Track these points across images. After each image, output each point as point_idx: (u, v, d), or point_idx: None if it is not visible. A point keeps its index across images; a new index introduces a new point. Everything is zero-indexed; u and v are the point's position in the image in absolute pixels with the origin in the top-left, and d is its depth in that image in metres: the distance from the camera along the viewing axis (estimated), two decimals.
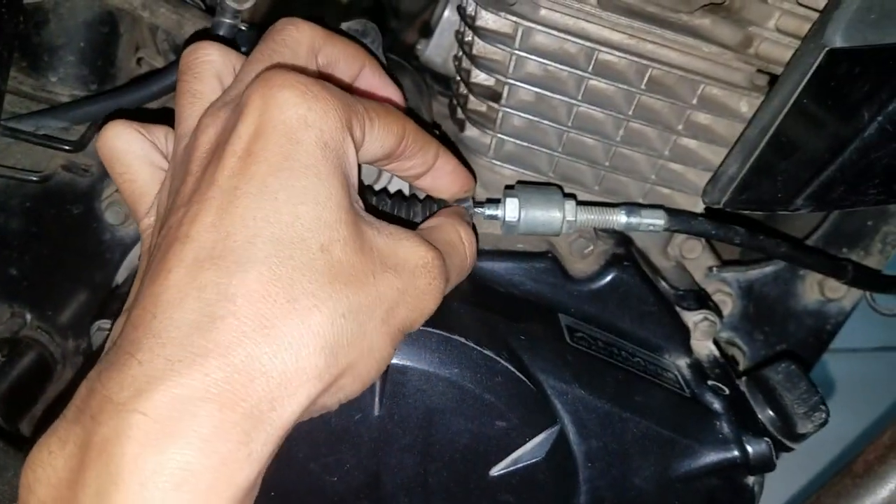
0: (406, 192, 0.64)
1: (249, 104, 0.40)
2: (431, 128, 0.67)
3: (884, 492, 0.66)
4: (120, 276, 0.74)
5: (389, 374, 0.52)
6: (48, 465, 0.35)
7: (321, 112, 0.40)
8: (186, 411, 0.33)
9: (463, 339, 0.53)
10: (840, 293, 0.83)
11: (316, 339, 0.37)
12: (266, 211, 0.38)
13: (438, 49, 0.82)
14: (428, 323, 0.52)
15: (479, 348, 0.53)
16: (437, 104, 0.80)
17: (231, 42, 0.63)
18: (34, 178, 0.70)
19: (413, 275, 0.44)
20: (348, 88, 0.50)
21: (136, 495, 0.32)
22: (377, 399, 0.52)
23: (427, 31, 0.84)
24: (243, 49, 0.63)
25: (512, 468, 0.55)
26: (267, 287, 0.37)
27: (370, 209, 0.46)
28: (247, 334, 0.36)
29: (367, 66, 0.54)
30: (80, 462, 0.34)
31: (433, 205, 0.58)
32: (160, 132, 0.50)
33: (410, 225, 0.48)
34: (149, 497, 0.32)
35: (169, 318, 0.36)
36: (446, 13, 0.80)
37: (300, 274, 0.38)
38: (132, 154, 0.48)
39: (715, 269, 0.78)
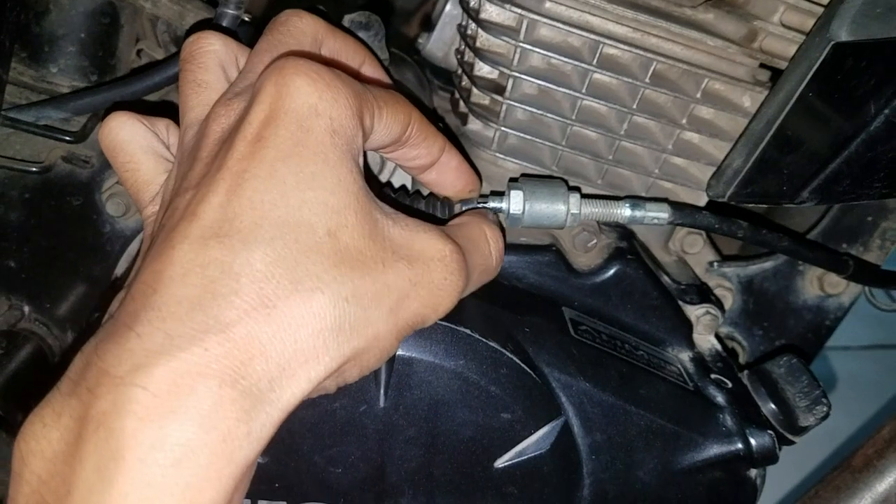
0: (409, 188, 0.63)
1: (262, 91, 0.40)
2: (437, 119, 0.67)
3: (882, 486, 0.67)
4: (119, 269, 0.74)
5: (395, 366, 0.52)
6: (42, 437, 0.34)
7: (332, 100, 0.40)
8: (186, 386, 0.33)
9: (468, 331, 0.53)
10: (839, 289, 0.83)
11: (316, 321, 0.37)
12: (274, 195, 0.38)
13: (440, 43, 0.81)
14: None
15: (484, 340, 0.53)
16: (437, 99, 0.80)
17: (232, 33, 0.63)
18: (34, 170, 0.70)
19: (427, 267, 0.43)
20: (356, 77, 0.50)
21: (137, 471, 0.32)
22: (382, 391, 0.52)
23: (428, 26, 0.84)
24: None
25: (516, 460, 0.55)
26: (270, 268, 0.37)
27: (391, 203, 0.45)
28: (248, 312, 0.35)
29: (367, 62, 0.54)
30: (77, 436, 0.33)
31: (435, 201, 0.58)
32: (161, 124, 0.50)
33: (434, 221, 0.48)
34: (149, 473, 0.32)
35: (171, 294, 0.36)
36: (448, 7, 0.80)
37: (304, 256, 0.37)
38: (135, 144, 0.48)
39: (715, 264, 0.79)
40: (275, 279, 0.36)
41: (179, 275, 0.36)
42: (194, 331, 0.34)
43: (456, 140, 0.67)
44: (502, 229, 0.55)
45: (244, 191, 0.38)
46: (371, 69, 0.55)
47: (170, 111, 0.51)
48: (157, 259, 0.37)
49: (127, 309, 0.36)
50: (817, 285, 0.83)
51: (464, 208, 0.56)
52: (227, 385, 0.34)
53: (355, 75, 0.52)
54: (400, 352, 0.51)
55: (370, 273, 0.40)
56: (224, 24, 0.62)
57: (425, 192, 0.59)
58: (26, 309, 0.76)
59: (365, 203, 0.41)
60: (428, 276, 0.43)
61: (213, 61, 0.48)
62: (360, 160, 0.43)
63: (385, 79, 0.56)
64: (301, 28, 0.48)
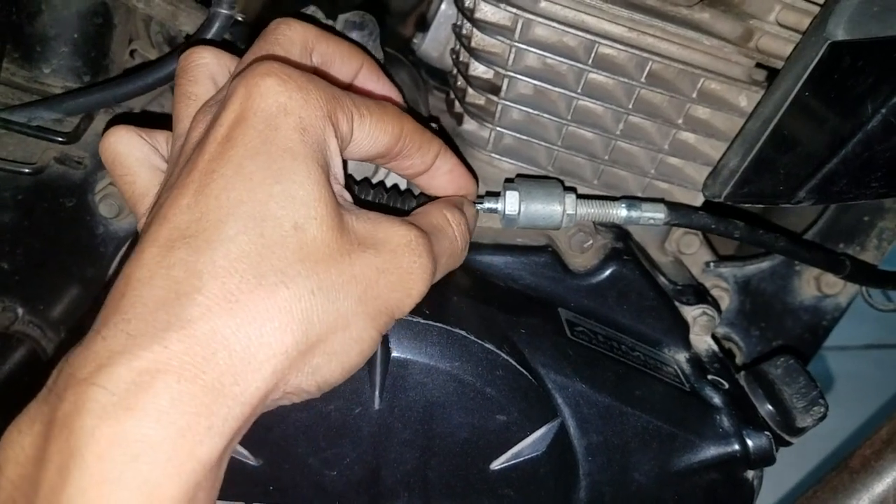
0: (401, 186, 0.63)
1: (234, 94, 0.41)
2: (430, 124, 0.67)
3: (880, 487, 0.67)
4: (113, 271, 0.74)
5: (390, 368, 0.51)
6: (17, 443, 0.35)
7: (301, 100, 0.41)
8: (144, 384, 0.34)
9: (464, 333, 0.53)
10: (836, 289, 0.83)
11: (281, 315, 0.38)
12: (240, 191, 0.39)
13: (435, 43, 0.81)
14: (429, 316, 0.52)
15: (480, 342, 0.53)
16: (433, 99, 0.80)
17: (228, 44, 0.63)
18: (27, 171, 0.69)
19: (394, 254, 0.44)
20: (347, 87, 0.50)
21: (94, 468, 0.32)
22: (377, 393, 0.52)
23: (423, 26, 0.83)
24: (241, 46, 0.62)
25: (512, 462, 0.55)
26: (234, 264, 0.37)
27: (357, 202, 0.46)
28: (211, 309, 0.36)
29: (365, 65, 0.54)
30: (44, 439, 0.34)
31: (398, 195, 0.57)
32: (161, 137, 0.51)
33: (401, 214, 0.48)
34: (106, 469, 0.33)
35: (137, 296, 0.36)
36: (443, 7, 0.80)
37: (269, 251, 0.38)
38: (133, 157, 0.49)
39: (712, 264, 0.78)
40: (238, 274, 0.37)
41: (146, 277, 0.37)
42: (156, 329, 0.35)
43: (448, 138, 0.67)
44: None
45: (211, 190, 0.39)
46: (368, 73, 0.55)
47: (161, 120, 0.51)
48: (128, 264, 0.38)
49: (99, 316, 0.37)
50: (814, 286, 0.83)
51: None
52: (187, 380, 0.34)
53: (343, 84, 0.53)
54: (395, 353, 0.51)
55: (336, 265, 0.40)
56: (217, 24, 0.62)
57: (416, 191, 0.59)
58: (20, 311, 0.76)
59: (333, 199, 0.41)
60: (396, 262, 0.44)
61: (203, 74, 0.49)
62: (335, 162, 0.43)
63: (385, 81, 0.56)
64: (289, 36, 0.49)
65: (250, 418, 0.37)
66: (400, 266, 0.44)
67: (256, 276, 0.37)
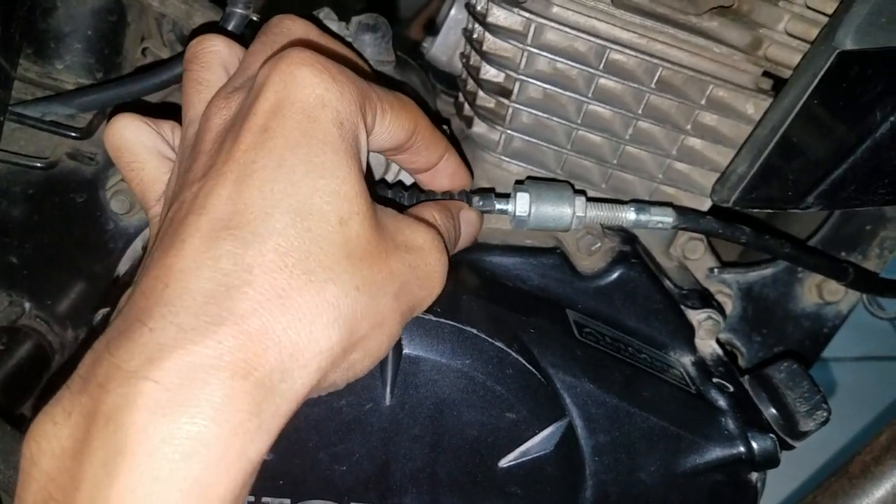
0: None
1: (268, 81, 0.40)
2: (442, 124, 0.67)
3: (879, 493, 0.67)
4: (122, 267, 0.74)
5: (401, 365, 0.52)
6: (52, 436, 0.34)
7: (338, 93, 0.40)
8: (198, 379, 0.33)
9: (475, 331, 0.53)
10: (838, 296, 0.84)
11: (330, 312, 0.37)
12: (284, 183, 0.38)
13: (444, 47, 0.82)
14: (440, 314, 0.52)
15: (490, 340, 0.53)
16: (440, 103, 0.81)
17: (236, 36, 0.64)
18: (38, 165, 0.70)
19: (423, 252, 0.45)
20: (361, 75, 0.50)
21: (144, 465, 0.31)
22: (388, 389, 0.52)
23: (432, 30, 0.84)
24: None
25: (520, 460, 0.55)
26: (284, 258, 0.36)
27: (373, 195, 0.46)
28: (262, 304, 0.35)
29: (357, 67, 0.54)
30: (86, 432, 0.33)
31: (402, 191, 0.58)
32: (167, 126, 0.50)
33: (397, 207, 0.49)
34: (157, 467, 0.31)
35: (183, 288, 0.35)
36: (453, 12, 0.80)
37: (317, 247, 0.38)
38: (140, 144, 0.48)
39: (716, 270, 0.79)
40: (287, 269, 0.36)
41: (191, 268, 0.36)
42: (207, 324, 0.34)
43: (455, 140, 0.68)
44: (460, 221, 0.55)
45: (253, 181, 0.38)
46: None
47: (173, 112, 0.51)
48: (166, 253, 0.37)
49: (138, 304, 0.36)
50: (816, 293, 0.83)
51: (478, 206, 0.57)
52: (240, 377, 0.34)
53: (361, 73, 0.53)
54: (407, 350, 0.52)
55: (376, 262, 0.41)
56: (232, 23, 0.63)
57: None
58: (27, 305, 0.76)
59: (368, 194, 0.42)
60: (424, 261, 0.45)
61: (215, 61, 0.49)
62: (364, 157, 0.43)
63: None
64: (293, 29, 0.49)
65: (291, 415, 0.37)
66: (428, 264, 0.45)
67: (306, 272, 0.37)
